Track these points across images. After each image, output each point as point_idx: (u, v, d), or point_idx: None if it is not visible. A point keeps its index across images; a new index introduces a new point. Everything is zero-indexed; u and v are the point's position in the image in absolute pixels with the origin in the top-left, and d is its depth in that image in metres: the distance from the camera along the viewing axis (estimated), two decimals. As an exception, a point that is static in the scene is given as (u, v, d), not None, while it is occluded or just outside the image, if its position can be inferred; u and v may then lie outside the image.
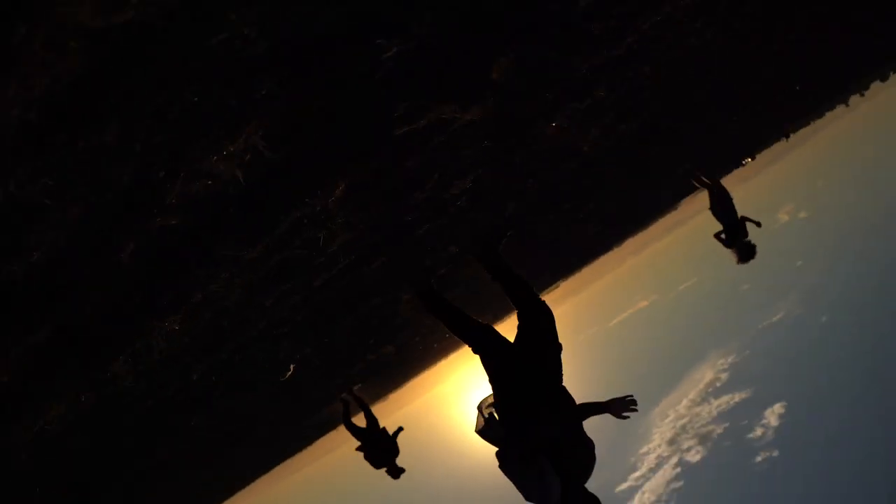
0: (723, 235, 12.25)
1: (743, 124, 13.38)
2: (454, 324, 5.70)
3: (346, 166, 3.27)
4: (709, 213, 13.16)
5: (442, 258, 6.69)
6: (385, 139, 3.28)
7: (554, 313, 5.63)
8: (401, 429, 13.96)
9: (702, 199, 14.94)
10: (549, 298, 6.10)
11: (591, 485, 4.88)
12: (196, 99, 2.13)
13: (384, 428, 14.19)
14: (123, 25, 1.72)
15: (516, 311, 5.87)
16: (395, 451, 13.84)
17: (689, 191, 21.47)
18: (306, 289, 4.89)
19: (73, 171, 2.10)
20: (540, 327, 5.34)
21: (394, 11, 2.36)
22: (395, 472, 14.03)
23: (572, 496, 4.76)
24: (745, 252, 11.98)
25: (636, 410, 5.09)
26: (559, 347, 5.32)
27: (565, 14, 3.37)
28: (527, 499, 4.85)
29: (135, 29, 1.75)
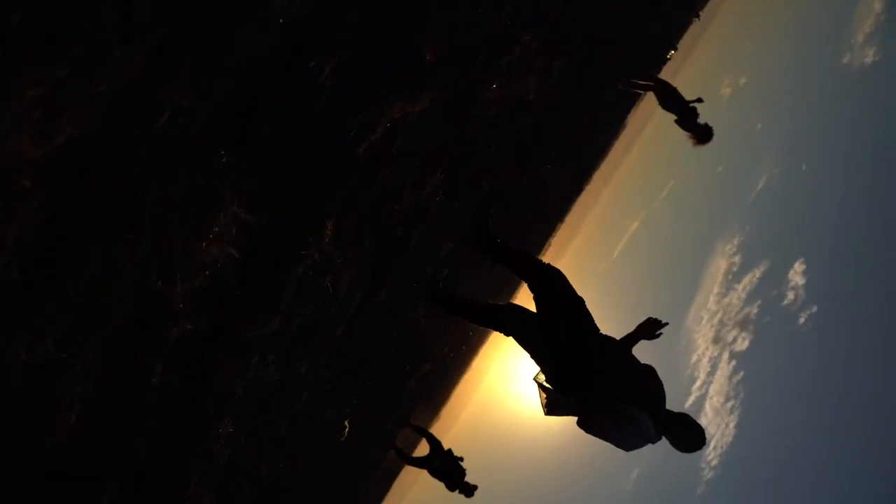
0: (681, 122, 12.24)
1: (657, 19, 13.39)
2: (477, 317, 5.61)
3: (326, 203, 3.17)
4: (658, 119, 13.16)
5: (441, 259, 6.60)
6: (350, 161, 3.18)
7: (560, 264, 5.57)
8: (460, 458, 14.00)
9: (646, 105, 14.93)
10: (546, 258, 6.05)
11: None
12: (162, 192, 2.02)
13: (449, 449, 14.15)
14: (66, 146, 1.61)
15: (526, 285, 5.76)
16: (462, 470, 13.79)
17: (633, 101, 21.51)
18: (332, 341, 4.78)
19: (74, 314, 1.99)
20: (553, 297, 5.19)
21: (315, 29, 2.26)
22: (468, 490, 13.93)
23: (663, 424, 4.72)
24: (703, 134, 11.98)
25: (666, 324, 4.99)
26: (580, 301, 5.18)
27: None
28: (627, 449, 4.77)
29: (78, 145, 1.64)
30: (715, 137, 12.46)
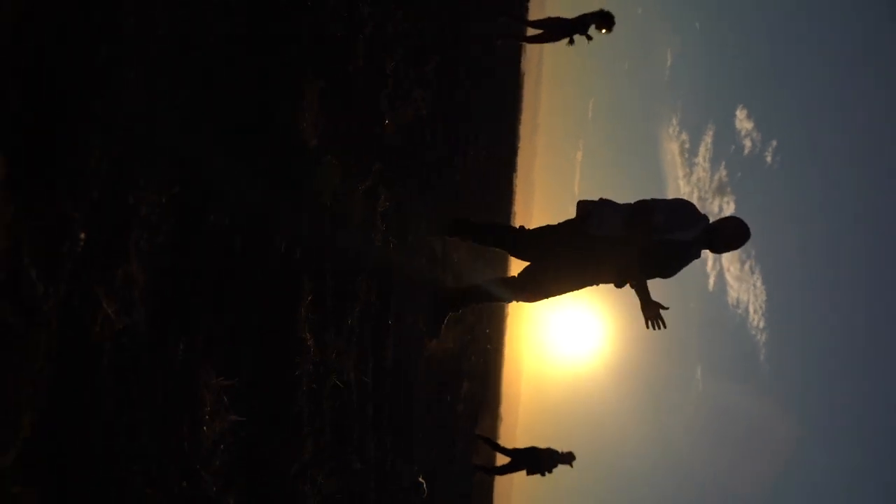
0: (573, 38, 12.36)
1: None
2: (488, 298, 5.99)
3: (293, 321, 3.18)
4: (550, 51, 13.32)
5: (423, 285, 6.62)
6: (294, 273, 3.20)
7: (532, 222, 5.93)
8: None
9: (531, 47, 15.03)
10: (520, 220, 6.26)
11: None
12: (145, 412, 2.02)
13: (513, 449, 14.32)
14: (34, 433, 1.61)
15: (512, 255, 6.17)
16: (544, 451, 13.93)
17: (518, 51, 21.66)
18: (369, 424, 4.78)
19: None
20: (535, 243, 5.57)
21: (196, 188, 2.27)
22: (567, 458, 14.07)
23: (707, 235, 5.23)
24: (605, 20, 12.12)
25: None
26: (555, 226, 5.52)
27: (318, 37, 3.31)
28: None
29: (45, 425, 1.64)
30: (606, 37, 12.62)
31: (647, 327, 5.03)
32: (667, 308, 5.06)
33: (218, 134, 2.52)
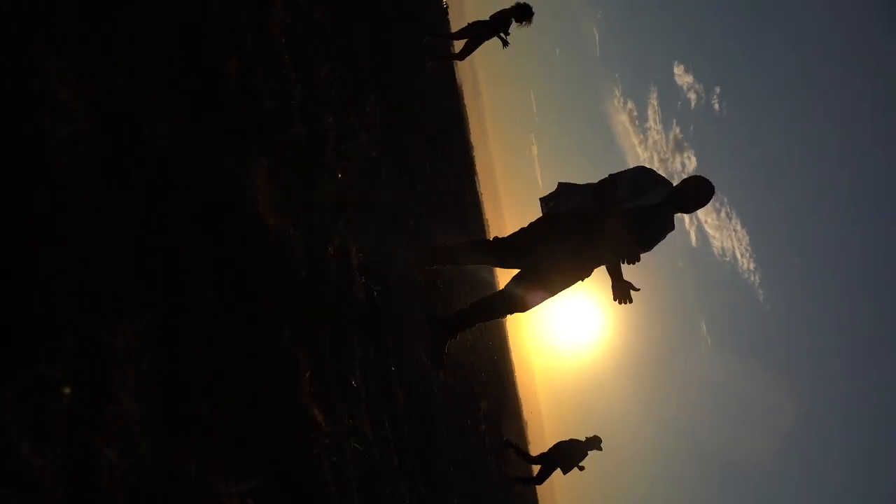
0: (504, 39, 12.53)
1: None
2: (486, 315, 6.10)
3: (293, 404, 3.15)
4: (482, 55, 13.46)
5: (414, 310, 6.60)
6: (287, 357, 3.17)
7: (506, 227, 6.12)
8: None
9: (465, 60, 15.13)
10: (492, 234, 6.34)
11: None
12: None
13: (542, 455, 14.43)
14: None
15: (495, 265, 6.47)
16: (567, 444, 14.08)
17: (450, 64, 21.78)
18: (396, 473, 4.75)
19: None
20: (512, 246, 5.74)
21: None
22: (594, 444, 14.19)
23: (672, 198, 5.41)
24: (523, 12, 12.27)
25: None
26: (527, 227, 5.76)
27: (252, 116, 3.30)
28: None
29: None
30: (530, 30, 12.78)
31: (615, 300, 5.18)
32: (637, 290, 5.19)
33: (181, 238, 2.50)
